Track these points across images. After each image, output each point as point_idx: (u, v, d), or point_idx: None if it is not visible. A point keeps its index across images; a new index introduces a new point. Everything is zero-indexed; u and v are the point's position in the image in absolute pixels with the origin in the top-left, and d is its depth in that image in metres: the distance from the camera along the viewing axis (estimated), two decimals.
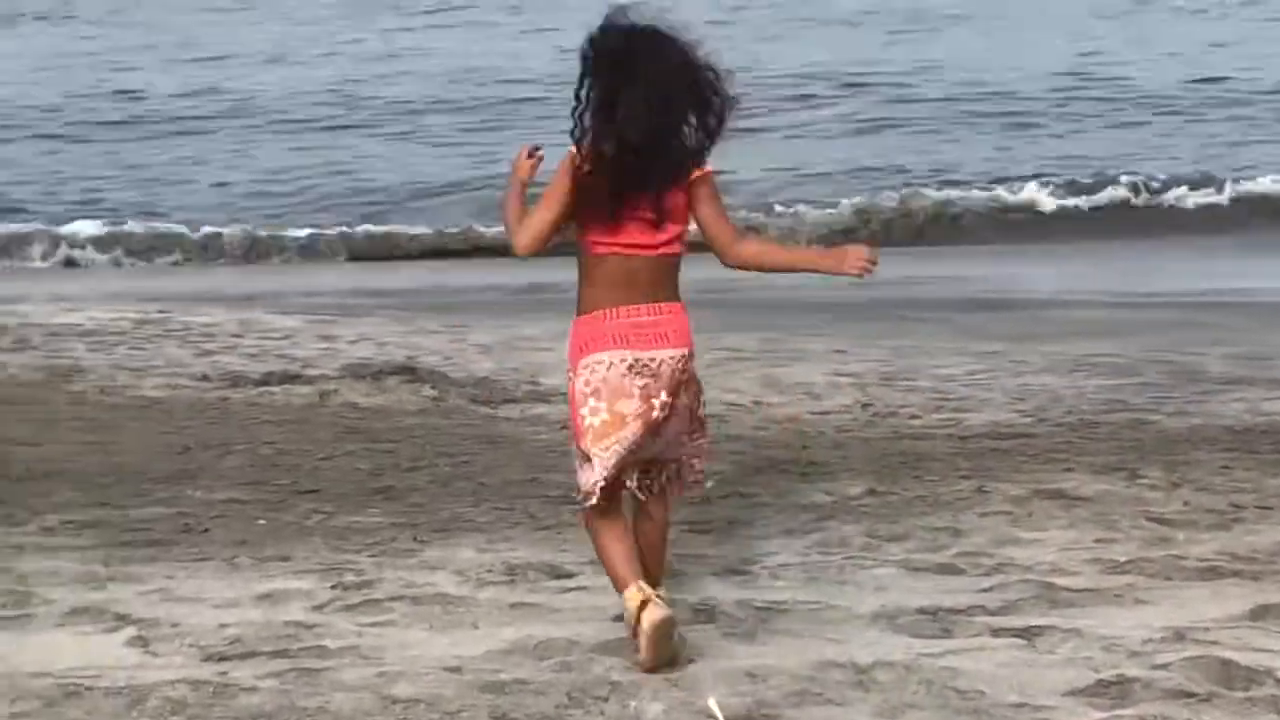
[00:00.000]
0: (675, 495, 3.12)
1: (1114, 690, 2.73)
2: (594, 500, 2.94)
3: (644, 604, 2.86)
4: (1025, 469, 4.86)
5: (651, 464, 3.02)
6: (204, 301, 8.97)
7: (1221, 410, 5.98)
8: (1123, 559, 3.71)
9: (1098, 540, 3.93)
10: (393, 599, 3.38)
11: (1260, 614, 3.17)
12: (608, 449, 2.91)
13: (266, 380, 6.59)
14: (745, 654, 2.96)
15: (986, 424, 5.80)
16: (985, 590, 3.40)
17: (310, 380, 6.60)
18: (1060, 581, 3.46)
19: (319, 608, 3.36)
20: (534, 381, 6.63)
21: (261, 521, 4.29)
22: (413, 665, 2.94)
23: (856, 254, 2.94)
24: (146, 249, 12.15)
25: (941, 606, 3.22)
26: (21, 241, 12.07)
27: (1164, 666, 2.84)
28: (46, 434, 5.67)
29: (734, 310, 8.32)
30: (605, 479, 2.92)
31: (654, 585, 2.97)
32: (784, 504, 4.42)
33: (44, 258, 11.90)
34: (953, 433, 5.67)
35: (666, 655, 2.89)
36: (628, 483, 3.01)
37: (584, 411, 2.91)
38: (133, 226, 12.33)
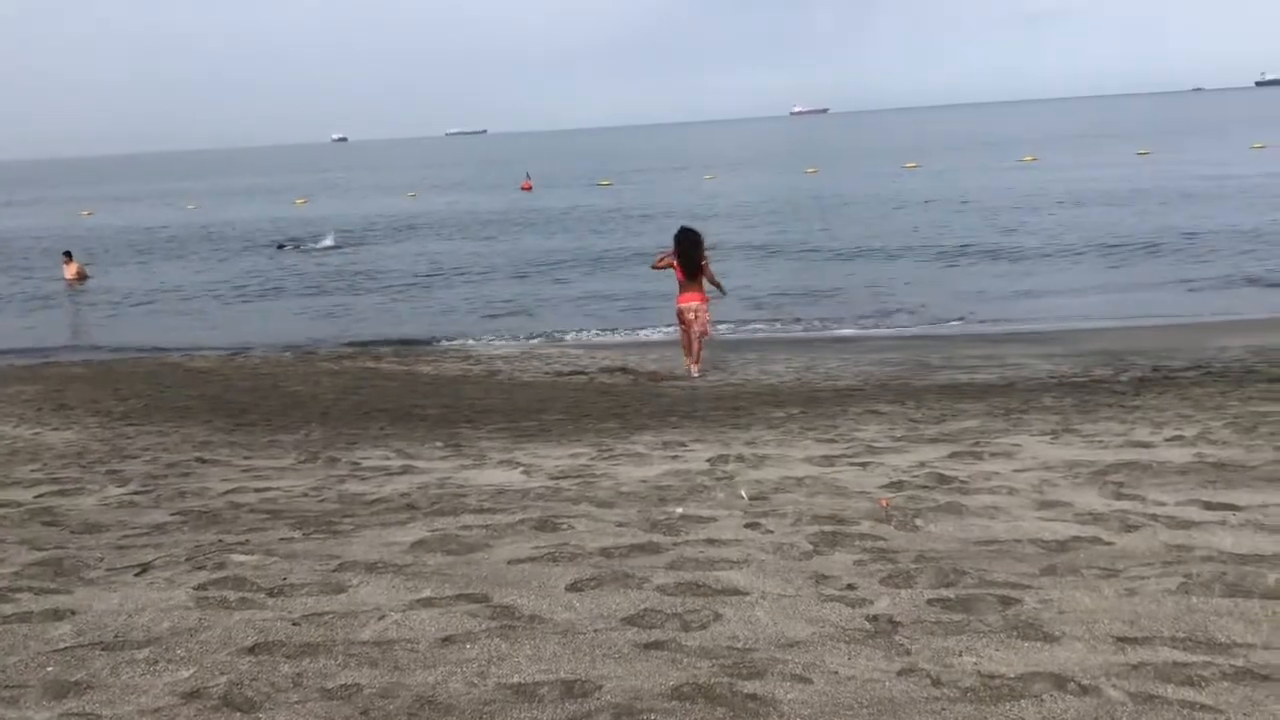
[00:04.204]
0: (704, 339, 13.36)
1: (896, 485, 5.93)
2: (680, 337, 13.53)
3: (689, 369, 13.26)
4: (861, 402, 10.22)
5: (691, 335, 13.25)
6: (550, 345, 17.43)
7: (936, 378, 12.35)
8: (899, 435, 7.98)
9: (889, 428, 8.38)
10: (620, 455, 7.36)
11: (953, 456, 6.84)
12: (680, 325, 13.42)
13: (570, 374, 13.65)
14: (755, 474, 6.41)
15: (845, 385, 11.85)
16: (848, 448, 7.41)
17: (586, 374, 13.70)
18: (875, 444, 7.42)
19: (592, 459, 7.26)
20: (673, 373, 13.53)
21: (570, 426, 9.14)
22: (628, 479, 6.40)
23: (722, 291, 13.74)
24: None
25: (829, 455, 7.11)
26: None
27: (916, 476, 6.13)
28: (488, 396, 11.84)
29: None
30: (681, 331, 13.40)
31: (699, 360, 13.34)
32: (768, 417, 9.30)
33: None
34: (832, 388, 11.66)
35: (696, 381, 12.89)
36: (691, 337, 13.29)
37: (678, 318, 13.41)
38: None
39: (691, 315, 13.20)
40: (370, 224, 43.19)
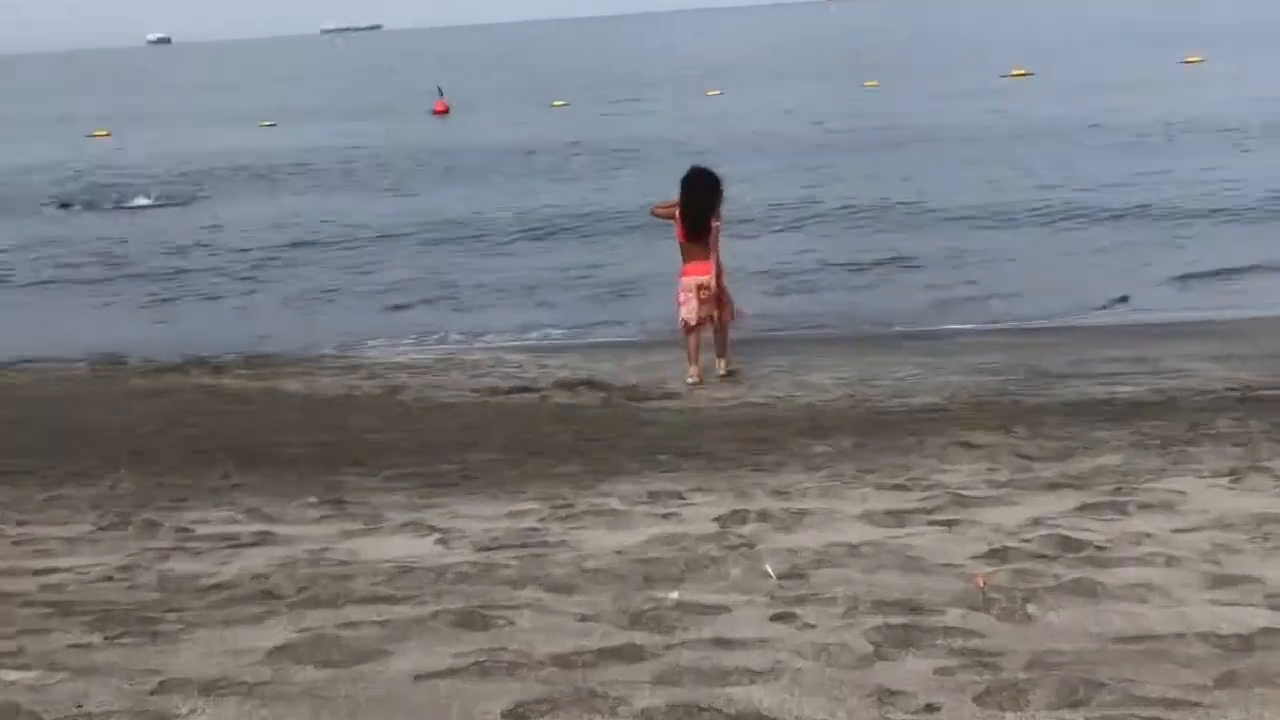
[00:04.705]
0: (725, 322, 13.99)
1: (999, 554, 5.97)
2: (683, 328, 13.81)
3: (692, 375, 13.72)
4: (946, 429, 10.16)
5: (708, 318, 13.74)
6: (480, 348, 17.67)
7: (1059, 393, 12.28)
8: (1003, 479, 7.90)
9: (988, 469, 8.34)
10: (584, 513, 7.35)
11: (1084, 509, 6.85)
12: (681, 309, 13.77)
13: (510, 391, 13.83)
14: (786, 539, 6.48)
15: (923, 404, 11.96)
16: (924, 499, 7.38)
17: (535, 390, 13.87)
18: (967, 493, 7.44)
19: (543, 519, 7.25)
20: (662, 387, 13.77)
21: (509, 471, 9.20)
22: (597, 550, 6.36)
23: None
24: None
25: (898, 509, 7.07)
26: None
27: (1028, 540, 6.16)
28: (386, 425, 12.04)
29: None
30: (683, 321, 13.79)
31: (723, 357, 14.02)
32: (806, 453, 9.46)
33: None
34: (903, 410, 11.64)
35: (699, 390, 13.38)
36: (703, 327, 13.79)
37: (679, 298, 13.86)
38: None
39: (705, 293, 13.69)
40: (206, 169, 43.16)
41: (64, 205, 35.61)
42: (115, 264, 26.65)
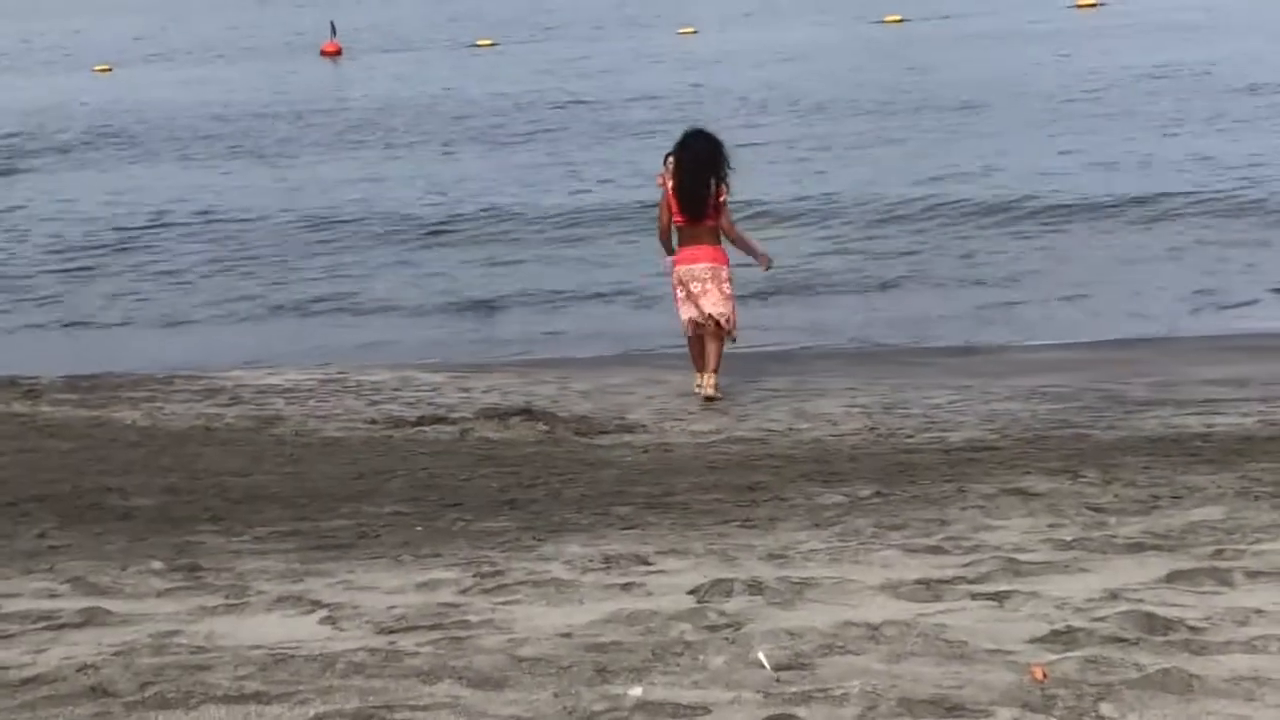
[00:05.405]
0: (724, 336, 14.32)
1: (1064, 638, 5.83)
2: (686, 333, 14.51)
3: (700, 387, 14.29)
4: (994, 473, 10.29)
5: (708, 319, 14.17)
6: (381, 367, 17.84)
7: (1141, 425, 12.70)
8: (1069, 539, 7.86)
9: (1049, 525, 8.33)
10: (519, 583, 7.25)
11: (1174, 577, 6.79)
12: (680, 309, 14.52)
13: (420, 422, 13.89)
14: (785, 618, 6.30)
15: (964, 440, 12.20)
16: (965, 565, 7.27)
17: (453, 421, 13.95)
18: (1021, 557, 7.40)
19: (464, 591, 7.16)
20: (621, 417, 13.98)
21: (419, 528, 9.12)
22: (535, 633, 6.21)
23: (765, 261, 15.03)
24: None
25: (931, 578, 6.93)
26: None
27: (1101, 619, 6.01)
28: (255, 467, 11.96)
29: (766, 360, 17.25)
30: (684, 321, 14.43)
31: (714, 372, 14.26)
32: (811, 504, 9.48)
33: None
34: (938, 447, 11.93)
35: (708, 406, 14.20)
36: (701, 324, 14.25)
37: (675, 294, 14.68)
38: None
39: (700, 286, 14.24)
40: (18, 129, 43.68)
41: None
42: None
